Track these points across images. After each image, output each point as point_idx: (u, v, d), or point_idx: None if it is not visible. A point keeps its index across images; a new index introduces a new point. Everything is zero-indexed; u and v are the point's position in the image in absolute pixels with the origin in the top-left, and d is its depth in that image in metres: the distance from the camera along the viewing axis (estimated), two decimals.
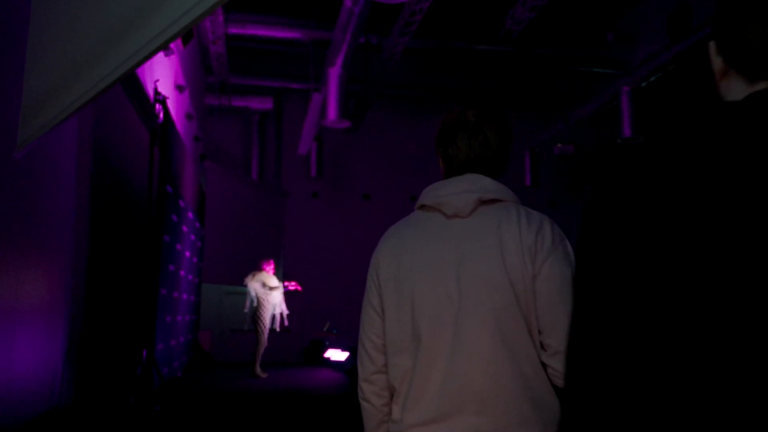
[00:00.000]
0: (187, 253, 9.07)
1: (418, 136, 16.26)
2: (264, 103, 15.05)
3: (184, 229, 8.61)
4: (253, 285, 9.36)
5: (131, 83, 7.01)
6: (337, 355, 10.64)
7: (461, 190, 1.69)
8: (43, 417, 4.89)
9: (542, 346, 1.62)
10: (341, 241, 15.41)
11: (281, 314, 9.68)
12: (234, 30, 12.12)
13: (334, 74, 11.15)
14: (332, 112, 11.10)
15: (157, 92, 6.59)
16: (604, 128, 16.31)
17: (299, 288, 10.04)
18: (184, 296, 8.91)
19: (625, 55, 12.58)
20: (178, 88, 9.90)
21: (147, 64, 7.47)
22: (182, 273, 8.55)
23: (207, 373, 10.47)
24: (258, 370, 9.52)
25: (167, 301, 7.34)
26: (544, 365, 1.61)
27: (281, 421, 6.40)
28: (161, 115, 6.71)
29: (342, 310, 14.67)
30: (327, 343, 12.28)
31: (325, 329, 12.66)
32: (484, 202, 1.69)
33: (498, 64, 14.72)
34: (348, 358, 10.47)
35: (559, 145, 13.00)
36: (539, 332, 1.61)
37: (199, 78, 13.47)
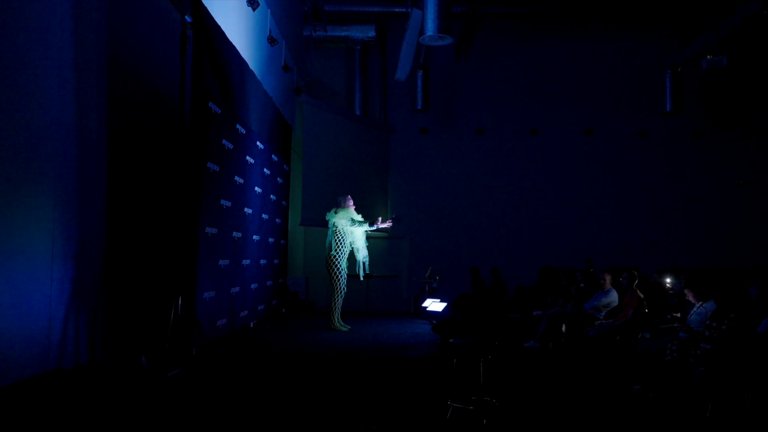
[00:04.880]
0: (257, 189, 7.97)
1: (537, 61, 14.45)
2: (366, 32, 13.83)
3: (249, 160, 7.48)
4: (341, 222, 8.20)
5: None
6: (435, 305, 9.30)
7: None
8: (24, 383, 3.91)
9: None
10: (452, 181, 14.06)
11: (363, 263, 8.44)
12: None
13: None
14: (431, 26, 9.58)
15: None
16: (757, 40, 13.72)
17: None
18: (254, 237, 7.85)
19: None
20: (250, 3, 8.70)
21: None
22: (248, 211, 7.46)
23: (289, 323, 9.46)
24: (336, 322, 8.31)
25: (219, 241, 6.26)
26: None
27: (324, 387, 5.19)
28: (190, 12, 5.50)
29: (452, 255, 13.38)
30: (430, 289, 11.03)
31: (427, 275, 11.39)
32: None
33: None
34: (445, 309, 9.11)
35: (709, 57, 10.75)
36: None
37: (288, 2, 12.27)
